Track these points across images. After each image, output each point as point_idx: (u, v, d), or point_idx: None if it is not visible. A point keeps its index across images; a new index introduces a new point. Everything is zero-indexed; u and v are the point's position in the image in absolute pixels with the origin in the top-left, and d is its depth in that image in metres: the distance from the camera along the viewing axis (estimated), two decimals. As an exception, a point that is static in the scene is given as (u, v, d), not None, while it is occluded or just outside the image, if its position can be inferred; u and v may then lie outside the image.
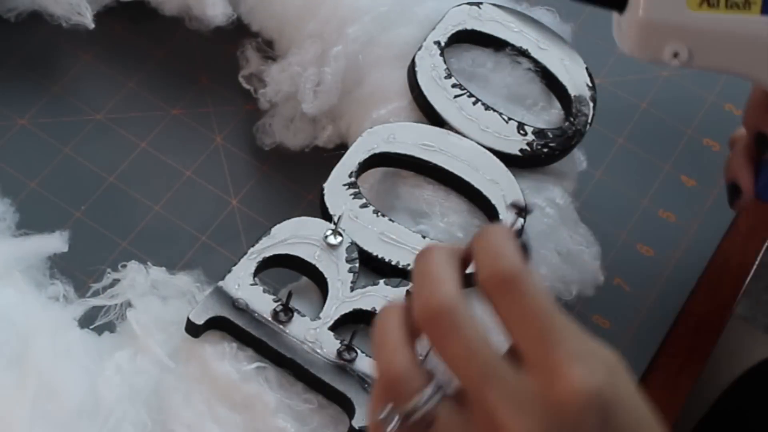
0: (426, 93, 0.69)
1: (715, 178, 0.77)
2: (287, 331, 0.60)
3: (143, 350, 0.61)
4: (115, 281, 0.65)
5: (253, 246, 0.62)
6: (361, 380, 0.59)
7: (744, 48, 0.58)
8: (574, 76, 0.71)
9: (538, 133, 0.69)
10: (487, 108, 0.69)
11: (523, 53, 0.72)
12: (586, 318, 0.72)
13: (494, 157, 0.67)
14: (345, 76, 0.72)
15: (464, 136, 0.68)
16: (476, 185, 0.66)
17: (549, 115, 0.71)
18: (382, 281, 0.62)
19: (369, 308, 0.61)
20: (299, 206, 0.74)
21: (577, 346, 0.43)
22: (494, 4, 0.73)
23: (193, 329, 0.60)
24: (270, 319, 0.60)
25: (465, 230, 0.66)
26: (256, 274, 0.62)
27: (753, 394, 0.71)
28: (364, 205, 0.65)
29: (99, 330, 0.63)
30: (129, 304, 0.63)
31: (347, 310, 0.61)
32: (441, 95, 0.69)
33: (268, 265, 0.63)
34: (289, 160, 0.75)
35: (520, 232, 0.55)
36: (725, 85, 0.82)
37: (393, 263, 0.63)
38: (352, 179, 0.66)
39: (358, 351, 0.60)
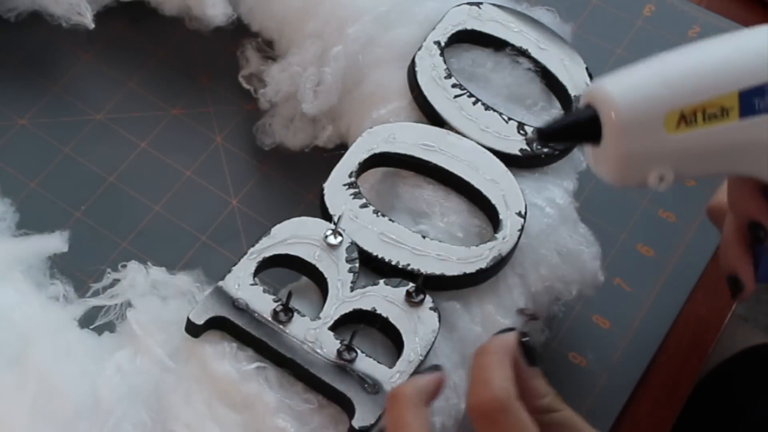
0: (426, 93, 0.69)
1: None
2: (287, 331, 0.60)
3: (143, 350, 0.61)
4: (115, 281, 0.65)
5: (253, 246, 0.62)
6: (361, 380, 0.59)
7: (729, 153, 0.56)
8: (574, 76, 0.71)
9: (538, 133, 0.69)
10: (487, 108, 0.69)
11: (523, 53, 0.72)
12: (586, 318, 0.72)
13: (494, 157, 0.67)
14: (345, 76, 0.72)
15: (464, 136, 0.68)
16: (476, 185, 0.66)
17: (549, 115, 0.71)
18: (382, 281, 0.62)
19: (369, 308, 0.61)
20: (299, 206, 0.74)
21: None
22: (494, 4, 0.73)
23: (193, 329, 0.60)
24: (270, 319, 0.60)
25: (465, 230, 0.66)
26: (256, 274, 0.62)
27: (741, 374, 0.72)
28: (364, 205, 0.65)
29: (99, 330, 0.63)
30: (129, 304, 0.63)
31: (347, 310, 0.61)
32: (441, 95, 0.69)
33: (268, 265, 0.63)
34: (289, 160, 0.75)
35: (526, 338, 0.55)
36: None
37: (393, 263, 0.63)
38: (352, 179, 0.66)
39: (358, 351, 0.60)
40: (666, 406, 0.70)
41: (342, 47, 0.71)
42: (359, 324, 0.61)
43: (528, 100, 0.71)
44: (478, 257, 0.63)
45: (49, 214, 0.72)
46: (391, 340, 0.62)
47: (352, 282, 0.62)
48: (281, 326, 0.60)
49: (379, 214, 0.64)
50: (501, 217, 0.65)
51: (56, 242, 0.66)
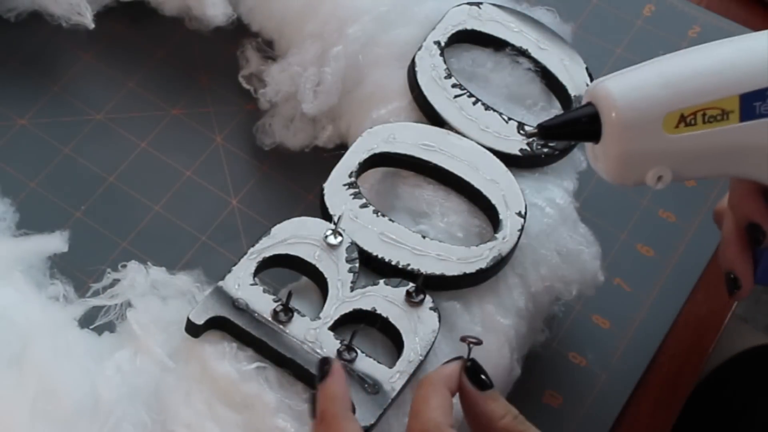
0: (426, 93, 0.69)
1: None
2: (287, 331, 0.60)
3: (143, 350, 0.61)
4: (115, 281, 0.65)
5: (253, 246, 0.62)
6: (361, 380, 0.59)
7: (727, 155, 0.56)
8: (574, 76, 0.71)
9: (538, 133, 0.69)
10: (487, 108, 0.69)
11: (523, 53, 0.72)
12: (586, 318, 0.72)
13: (494, 157, 0.67)
14: (345, 76, 0.72)
15: (464, 136, 0.68)
16: (476, 185, 0.66)
17: (549, 115, 0.71)
18: (382, 281, 0.62)
19: (369, 308, 0.61)
20: (299, 206, 0.74)
21: None
22: (494, 4, 0.73)
23: (193, 329, 0.60)
24: (270, 319, 0.60)
25: (465, 230, 0.66)
26: (256, 274, 0.62)
27: (741, 375, 0.72)
28: (364, 205, 0.65)
29: (99, 330, 0.63)
30: (129, 304, 0.63)
31: (347, 310, 0.61)
32: (441, 95, 0.69)
33: (268, 265, 0.63)
34: (289, 160, 0.75)
35: (471, 362, 0.56)
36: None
37: (393, 263, 0.63)
38: (352, 179, 0.66)
39: (358, 351, 0.60)
40: (666, 407, 0.70)
41: (342, 47, 0.71)
42: (359, 324, 0.61)
43: (528, 100, 0.71)
44: (478, 257, 0.63)
45: (49, 214, 0.72)
46: (391, 340, 0.62)
47: (352, 282, 0.62)
48: (281, 326, 0.60)
49: (379, 214, 0.64)
50: (501, 217, 0.65)
51: (56, 242, 0.66)
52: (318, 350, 0.59)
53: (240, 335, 0.60)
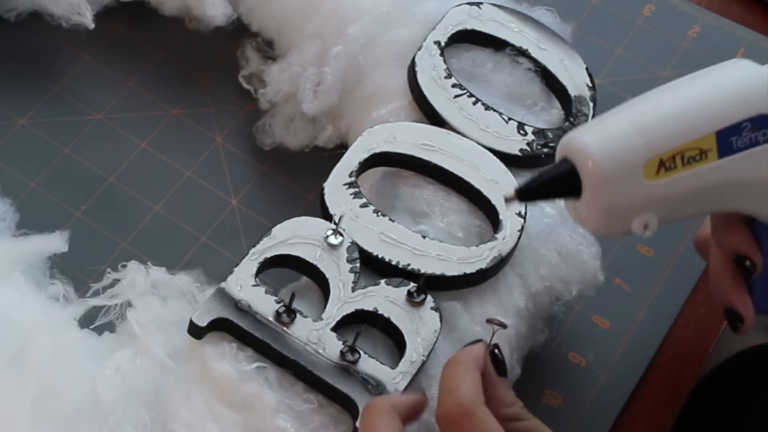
0: (426, 93, 0.69)
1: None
2: (290, 332, 0.60)
3: (143, 350, 0.61)
4: (115, 281, 0.65)
5: (254, 246, 0.62)
6: (365, 381, 0.59)
7: (711, 193, 0.56)
8: (574, 76, 0.71)
9: (538, 133, 0.69)
10: (487, 108, 0.69)
11: (523, 53, 0.72)
12: (586, 318, 0.72)
13: (494, 157, 0.67)
14: (345, 76, 0.72)
15: (464, 136, 0.68)
16: (476, 185, 0.66)
17: (549, 115, 0.71)
18: (383, 281, 0.62)
19: (371, 309, 0.61)
20: (299, 206, 0.74)
21: None
22: (494, 4, 0.73)
23: (196, 331, 0.60)
24: (272, 320, 0.60)
25: (465, 230, 0.66)
26: (257, 274, 0.62)
27: (741, 375, 0.72)
28: (364, 205, 0.65)
29: (99, 330, 0.63)
30: (129, 304, 0.63)
31: (349, 311, 0.61)
32: (441, 95, 0.69)
33: (269, 265, 0.62)
34: (289, 160, 0.75)
35: (496, 349, 0.58)
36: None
37: (393, 263, 0.63)
38: (352, 179, 0.65)
39: (361, 352, 0.60)
40: (666, 406, 0.70)
41: (342, 47, 0.71)
42: (361, 324, 0.61)
43: (528, 100, 0.71)
44: (479, 257, 0.63)
45: (49, 214, 0.72)
46: (393, 341, 0.61)
47: (353, 282, 0.62)
48: (284, 328, 0.60)
49: (380, 213, 0.64)
50: (501, 217, 0.65)
51: (56, 242, 0.66)
52: (321, 351, 0.59)
53: (243, 337, 0.60)
